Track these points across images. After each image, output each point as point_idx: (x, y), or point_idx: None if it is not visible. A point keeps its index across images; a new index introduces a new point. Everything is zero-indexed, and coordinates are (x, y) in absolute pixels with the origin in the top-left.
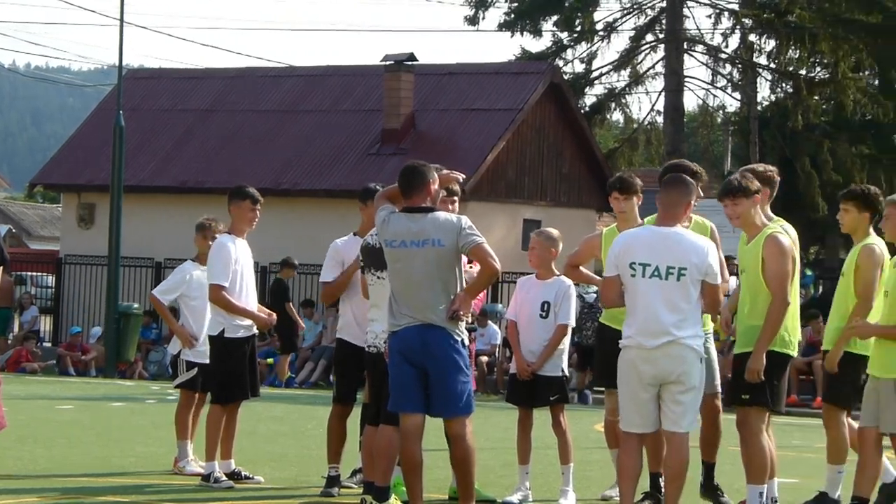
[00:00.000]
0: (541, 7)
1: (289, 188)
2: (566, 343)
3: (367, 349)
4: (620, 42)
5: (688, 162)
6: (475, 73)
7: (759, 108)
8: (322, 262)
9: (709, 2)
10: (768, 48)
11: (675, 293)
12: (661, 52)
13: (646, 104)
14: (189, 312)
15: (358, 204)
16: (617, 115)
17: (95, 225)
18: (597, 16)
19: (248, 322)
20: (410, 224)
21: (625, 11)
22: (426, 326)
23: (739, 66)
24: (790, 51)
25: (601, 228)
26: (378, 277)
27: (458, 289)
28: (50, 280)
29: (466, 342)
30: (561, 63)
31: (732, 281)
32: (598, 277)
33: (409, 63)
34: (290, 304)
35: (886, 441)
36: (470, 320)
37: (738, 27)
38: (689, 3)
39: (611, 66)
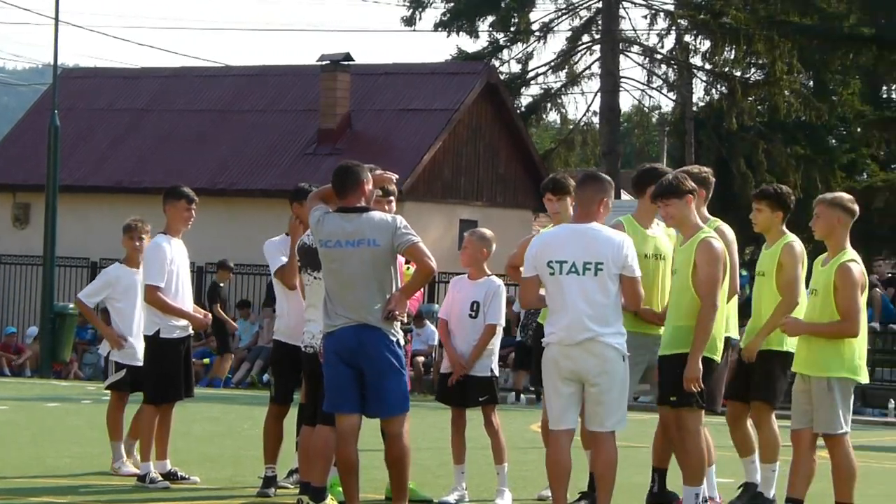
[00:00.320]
0: (477, 7)
1: (225, 188)
2: (496, 343)
3: (303, 349)
4: (556, 42)
5: (664, 168)
6: (411, 74)
7: (694, 108)
8: (258, 262)
9: (644, 3)
10: (703, 49)
11: (593, 288)
12: (596, 53)
13: (582, 105)
14: (115, 314)
15: (289, 204)
16: (553, 116)
17: (30, 224)
18: (533, 16)
19: (184, 322)
20: (345, 224)
21: (561, 12)
22: (362, 327)
23: (675, 66)
24: (725, 52)
25: (538, 229)
26: (314, 277)
27: (394, 289)
28: None
29: (402, 342)
30: (497, 63)
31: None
32: None
33: (346, 63)
34: (218, 305)
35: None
36: (406, 320)
37: (673, 28)
38: (625, 4)
39: (547, 67)
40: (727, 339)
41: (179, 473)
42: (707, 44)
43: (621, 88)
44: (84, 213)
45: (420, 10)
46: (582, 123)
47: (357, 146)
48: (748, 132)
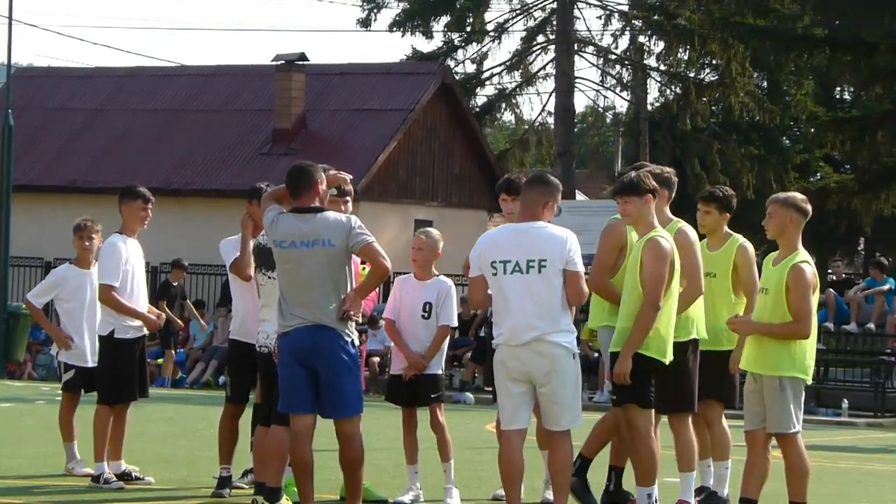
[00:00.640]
0: (432, 7)
1: (179, 188)
2: (445, 343)
3: (258, 349)
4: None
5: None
6: (366, 74)
7: (649, 109)
8: (213, 262)
9: (599, 3)
10: (658, 50)
11: (537, 286)
12: (551, 53)
13: (536, 105)
14: (63, 315)
15: (245, 203)
16: (508, 116)
17: None
18: (488, 16)
19: (138, 322)
20: (300, 224)
21: (515, 12)
22: (317, 327)
23: (629, 67)
24: (679, 53)
25: (492, 229)
26: (269, 277)
27: (349, 289)
28: None
29: (357, 343)
30: (452, 63)
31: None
32: None
33: (301, 63)
34: (165, 303)
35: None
36: (360, 320)
37: (627, 28)
38: (580, 5)
39: (502, 67)
40: (695, 341)
41: (134, 474)
42: (661, 45)
43: (576, 89)
44: (38, 213)
45: (376, 11)
46: (537, 124)
47: (312, 146)
48: (702, 133)
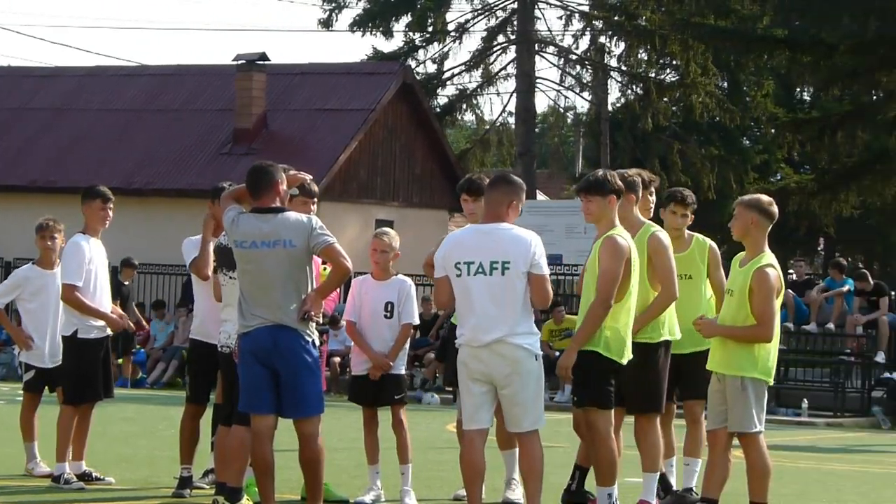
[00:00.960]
0: (393, 7)
1: (141, 187)
2: (407, 342)
3: (219, 349)
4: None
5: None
6: (327, 74)
7: (609, 109)
8: (174, 262)
9: (559, 3)
10: (618, 50)
11: (500, 288)
12: (512, 54)
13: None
14: (25, 315)
15: (208, 203)
16: (469, 116)
17: None
18: (449, 16)
19: (102, 322)
20: (261, 224)
21: (476, 12)
22: (277, 327)
23: (590, 67)
24: (640, 53)
25: (453, 229)
26: (230, 277)
27: (309, 289)
28: None
29: (317, 343)
30: (413, 63)
31: None
32: None
33: (261, 63)
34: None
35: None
36: (321, 321)
37: (588, 29)
38: (541, 5)
39: (463, 67)
40: (667, 343)
41: (94, 474)
42: (622, 45)
43: (537, 89)
44: None
45: (337, 11)
46: (497, 124)
47: (273, 146)
48: (663, 133)
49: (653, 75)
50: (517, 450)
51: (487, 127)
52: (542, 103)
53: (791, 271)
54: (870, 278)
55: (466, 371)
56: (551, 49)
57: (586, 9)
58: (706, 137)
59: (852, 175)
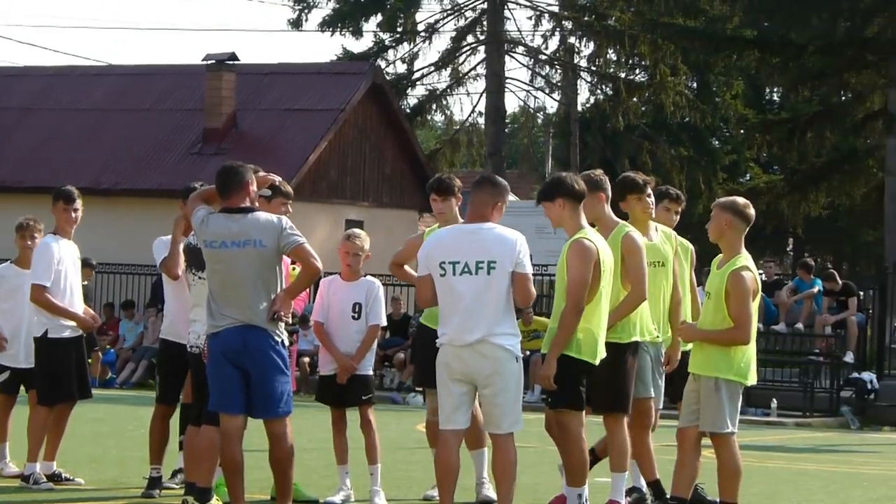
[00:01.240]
0: (362, 7)
1: (109, 187)
2: (375, 343)
3: (189, 349)
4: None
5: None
6: (297, 73)
7: (579, 109)
8: (143, 262)
9: (529, 4)
10: (588, 51)
11: (486, 288)
12: (482, 54)
13: (467, 105)
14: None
15: (179, 203)
16: (438, 116)
17: None
18: (418, 17)
19: (74, 322)
20: (231, 224)
21: (446, 12)
22: (247, 327)
23: (559, 67)
24: (609, 53)
25: (423, 229)
26: (199, 277)
27: (279, 289)
28: None
29: (287, 343)
30: (383, 64)
31: None
32: None
33: (231, 63)
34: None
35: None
36: (290, 321)
37: (558, 29)
38: (510, 5)
39: (432, 67)
40: (636, 343)
41: (64, 475)
42: (591, 45)
43: (506, 89)
44: None
45: (306, 11)
46: (467, 124)
47: (242, 146)
48: (632, 133)
49: (622, 75)
50: (486, 449)
51: (457, 127)
52: (511, 103)
53: (760, 272)
54: (838, 279)
55: (447, 371)
56: (521, 49)
57: (556, 9)
58: (676, 138)
59: (821, 175)
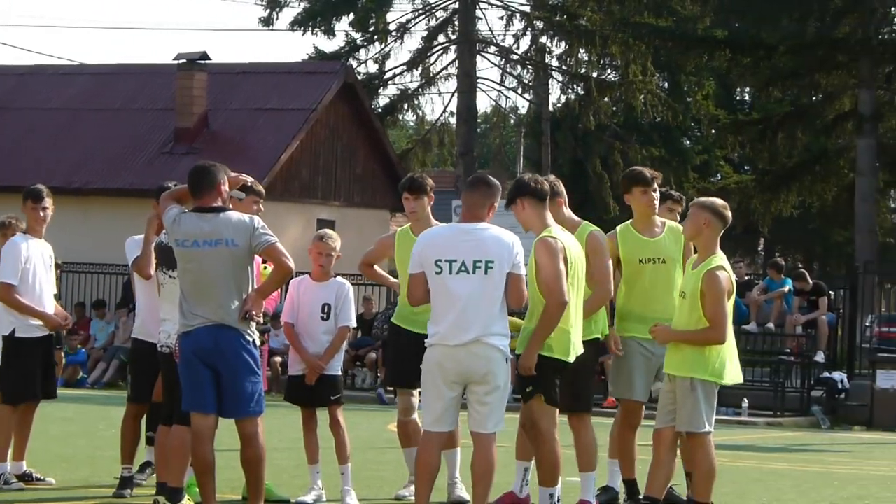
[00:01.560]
0: (334, 7)
1: (81, 187)
2: (344, 343)
3: (159, 349)
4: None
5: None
6: (268, 73)
7: (550, 109)
8: (115, 262)
9: (500, 3)
10: (559, 50)
11: (482, 288)
12: (453, 54)
13: (439, 105)
14: None
15: (152, 202)
16: (410, 116)
17: None
18: (390, 16)
19: (42, 322)
20: (202, 224)
21: (418, 12)
22: (218, 327)
23: (531, 67)
24: (581, 53)
25: (395, 229)
26: (170, 276)
27: (250, 289)
28: None
29: (258, 343)
30: (354, 63)
31: None
32: (391, 278)
33: (202, 62)
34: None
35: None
36: (262, 320)
37: (529, 29)
38: (482, 5)
39: (404, 67)
40: (597, 341)
41: (35, 475)
42: (563, 45)
43: (478, 89)
44: None
45: (277, 10)
46: (439, 124)
47: (214, 145)
48: (604, 133)
49: (594, 75)
50: (458, 450)
51: (429, 127)
52: (483, 103)
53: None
54: (808, 278)
55: (441, 373)
56: (492, 49)
57: (527, 9)
58: (647, 137)
59: (792, 176)
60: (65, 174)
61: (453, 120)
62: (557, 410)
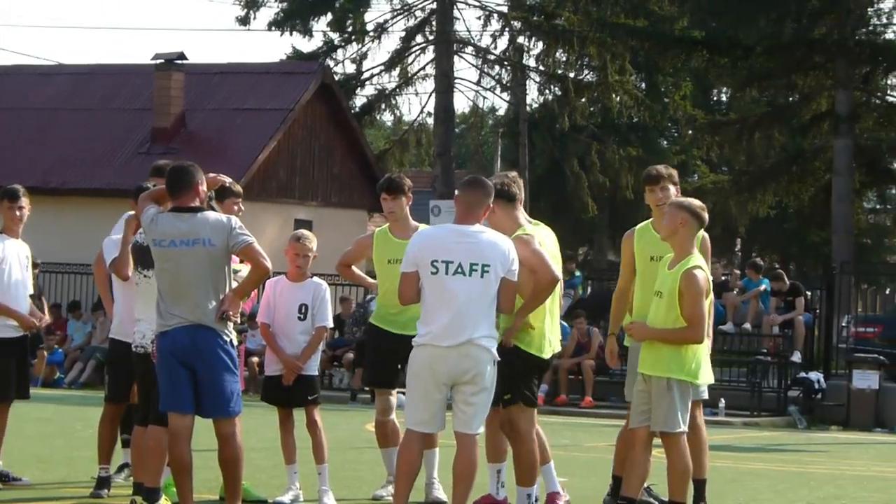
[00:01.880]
0: (311, 7)
1: (57, 187)
2: (321, 343)
3: (133, 349)
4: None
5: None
6: (246, 73)
7: (528, 110)
8: (91, 262)
9: (478, 4)
10: (537, 51)
11: (478, 290)
12: (431, 54)
13: (416, 105)
14: None
15: (131, 203)
16: (387, 116)
17: None
18: (367, 16)
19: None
20: (180, 224)
21: (395, 12)
22: (196, 327)
23: (508, 67)
24: (558, 53)
25: (373, 229)
26: (145, 276)
27: (228, 289)
28: None
29: (235, 342)
30: (332, 63)
31: None
32: (368, 279)
33: (180, 62)
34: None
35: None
36: (239, 320)
37: (507, 29)
38: (459, 5)
39: (381, 67)
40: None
41: (11, 474)
42: (540, 45)
43: (455, 89)
44: None
45: (254, 9)
46: (416, 124)
47: (191, 145)
48: (581, 133)
49: (571, 75)
50: (437, 450)
51: (406, 127)
52: (461, 103)
53: None
54: (786, 278)
55: (431, 375)
56: (470, 49)
57: (505, 9)
58: (624, 138)
59: (769, 176)
60: (42, 174)
61: (431, 120)
62: (535, 410)
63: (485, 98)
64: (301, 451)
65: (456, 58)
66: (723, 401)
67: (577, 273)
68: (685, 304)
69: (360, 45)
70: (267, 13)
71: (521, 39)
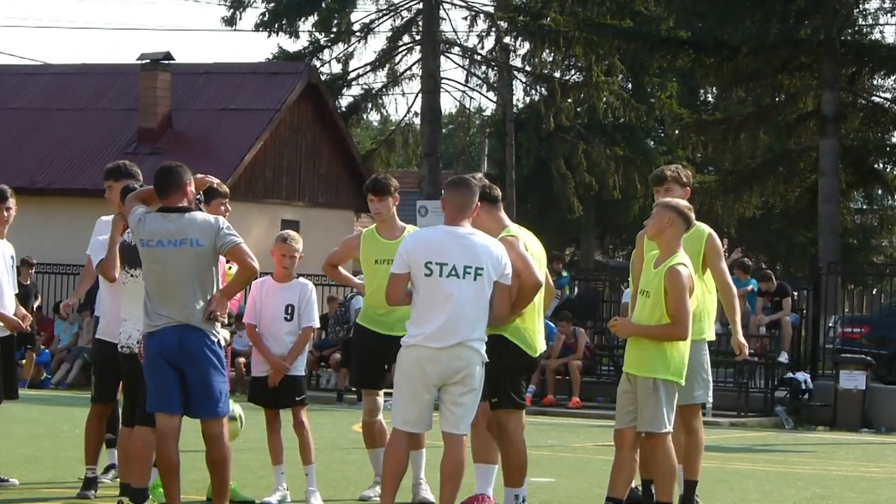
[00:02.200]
0: (298, 7)
1: (44, 187)
2: (308, 344)
3: (119, 350)
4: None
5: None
6: (232, 73)
7: (514, 110)
8: (77, 262)
9: (464, 4)
10: (523, 51)
11: (471, 292)
12: (417, 54)
13: (403, 105)
14: None
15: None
16: (374, 116)
17: None
18: (354, 17)
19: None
20: (168, 224)
21: (381, 13)
22: (183, 327)
23: (495, 67)
24: (545, 53)
25: (359, 229)
26: (132, 275)
27: (215, 289)
28: None
29: (223, 343)
30: (318, 63)
31: None
32: (355, 279)
33: (166, 62)
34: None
35: None
36: (226, 321)
37: (493, 29)
38: (445, 5)
39: (368, 67)
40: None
41: None
42: (527, 45)
43: (442, 89)
44: None
45: (240, 9)
46: (403, 124)
47: (178, 146)
48: (567, 133)
49: (557, 76)
50: (424, 450)
51: (393, 127)
52: (447, 104)
53: None
54: (773, 279)
55: (421, 375)
56: (456, 49)
57: (491, 10)
58: (611, 138)
59: (755, 176)
60: (28, 174)
61: (417, 120)
62: (524, 412)
63: (471, 98)
64: (288, 451)
65: (442, 58)
66: (710, 401)
67: (564, 273)
68: (669, 300)
69: (346, 46)
70: (253, 13)
71: (507, 40)
